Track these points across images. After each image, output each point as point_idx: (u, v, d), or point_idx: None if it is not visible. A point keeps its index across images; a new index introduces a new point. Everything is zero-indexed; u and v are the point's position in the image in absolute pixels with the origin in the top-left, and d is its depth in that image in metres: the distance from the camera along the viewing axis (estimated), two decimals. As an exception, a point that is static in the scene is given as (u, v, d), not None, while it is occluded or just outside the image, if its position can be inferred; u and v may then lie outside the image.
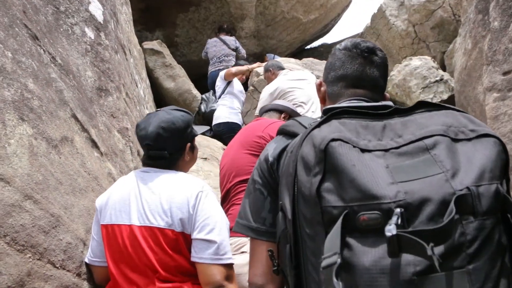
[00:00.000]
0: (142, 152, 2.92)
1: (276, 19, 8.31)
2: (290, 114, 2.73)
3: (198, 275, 1.58)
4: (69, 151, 1.81)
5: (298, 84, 4.40)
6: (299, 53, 9.92)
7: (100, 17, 2.84)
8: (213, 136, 5.09)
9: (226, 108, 5.44)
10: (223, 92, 5.58)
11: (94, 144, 2.15)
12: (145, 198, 1.64)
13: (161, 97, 5.70)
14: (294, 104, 4.01)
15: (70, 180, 1.73)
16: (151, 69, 5.75)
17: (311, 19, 8.85)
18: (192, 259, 1.58)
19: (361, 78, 1.17)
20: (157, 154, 1.75)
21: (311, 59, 5.59)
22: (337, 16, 10.15)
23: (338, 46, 1.23)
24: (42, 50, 2.07)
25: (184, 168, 1.81)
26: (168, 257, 1.57)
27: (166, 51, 6.03)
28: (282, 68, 4.79)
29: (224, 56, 6.32)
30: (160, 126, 1.75)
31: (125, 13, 4.50)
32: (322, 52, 10.69)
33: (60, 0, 2.52)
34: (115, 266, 1.63)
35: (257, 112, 4.38)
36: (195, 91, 5.72)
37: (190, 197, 1.60)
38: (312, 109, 4.26)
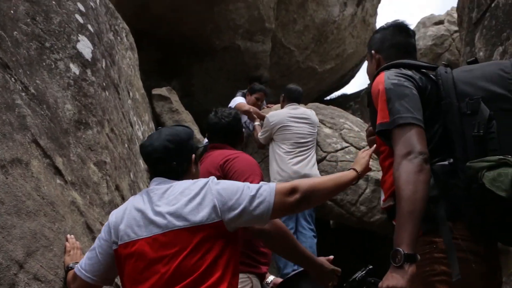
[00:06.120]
0: (122, 186, 2.91)
1: (291, 69, 8.42)
2: None
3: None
4: (20, 173, 1.79)
5: (297, 122, 4.63)
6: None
7: (88, 55, 2.91)
8: None
9: None
10: None
11: (58, 171, 2.13)
12: (157, 205, 1.69)
13: (167, 142, 5.76)
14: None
15: (15, 201, 1.70)
16: (158, 114, 5.86)
17: (327, 68, 8.93)
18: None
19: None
20: (166, 168, 1.82)
21: (316, 103, 5.56)
22: (355, 67, 10.22)
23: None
24: (12, 79, 2.12)
25: None
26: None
27: (174, 97, 6.15)
28: (295, 101, 4.87)
29: None
30: (166, 139, 1.82)
31: (129, 58, 4.64)
32: (341, 103, 10.68)
33: (46, 37, 2.60)
34: None
35: (260, 135, 4.75)
36: (199, 136, 5.78)
37: (203, 187, 1.69)
38: (294, 153, 4.47)
